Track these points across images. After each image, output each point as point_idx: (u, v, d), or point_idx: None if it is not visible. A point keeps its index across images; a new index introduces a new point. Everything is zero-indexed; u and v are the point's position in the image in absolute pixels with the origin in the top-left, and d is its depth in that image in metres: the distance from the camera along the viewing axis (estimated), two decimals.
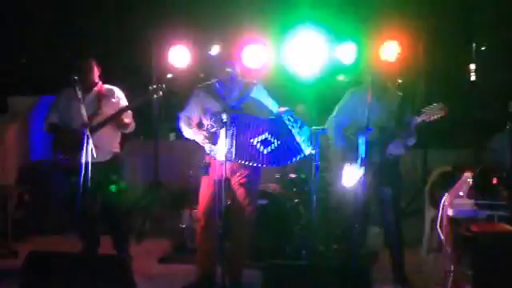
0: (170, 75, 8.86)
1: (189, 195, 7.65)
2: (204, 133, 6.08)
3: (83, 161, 5.88)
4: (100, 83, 6.83)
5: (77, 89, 6.24)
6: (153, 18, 9.02)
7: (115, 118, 6.61)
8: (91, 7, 9.18)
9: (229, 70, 6.16)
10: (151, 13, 9.06)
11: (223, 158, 5.76)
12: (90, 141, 5.96)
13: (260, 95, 6.25)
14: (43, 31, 9.07)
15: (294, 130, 5.90)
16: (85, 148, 5.91)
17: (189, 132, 6.27)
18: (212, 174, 6.05)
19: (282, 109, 6.10)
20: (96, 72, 6.82)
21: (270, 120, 6.02)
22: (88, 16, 9.20)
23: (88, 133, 5.99)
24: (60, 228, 8.02)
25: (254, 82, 6.32)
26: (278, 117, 6.00)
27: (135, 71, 9.12)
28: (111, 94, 6.82)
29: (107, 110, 6.66)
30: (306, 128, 5.96)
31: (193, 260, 6.83)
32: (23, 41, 9.04)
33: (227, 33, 8.47)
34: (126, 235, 7.06)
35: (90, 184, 5.85)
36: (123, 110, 6.69)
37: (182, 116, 6.32)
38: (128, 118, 6.76)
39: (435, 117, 6.06)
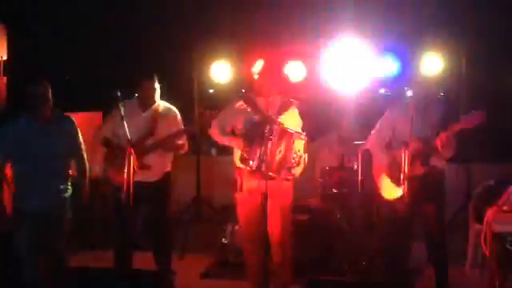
0: (211, 91, 8.96)
1: (231, 210, 7.65)
2: (242, 139, 6.13)
3: (126, 179, 5.82)
4: (158, 101, 6.81)
5: (120, 105, 6.16)
6: (194, 34, 9.07)
7: (168, 142, 6.65)
8: (134, 22, 9.25)
9: (271, 86, 6.23)
10: (193, 28, 9.12)
11: (255, 168, 5.96)
12: (132, 158, 5.87)
13: (293, 116, 6.34)
14: (92, 49, 9.18)
15: None
16: (127, 166, 5.83)
17: (223, 138, 6.30)
18: (245, 189, 6.16)
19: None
20: (157, 91, 6.74)
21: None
22: (130, 32, 9.28)
23: (131, 151, 5.80)
24: (105, 243, 8.07)
25: (292, 101, 6.39)
26: None
27: (177, 87, 9.17)
28: (168, 113, 6.77)
29: (162, 132, 6.63)
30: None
31: (235, 275, 6.88)
32: (74, 59, 9.15)
33: (268, 48, 8.47)
34: (169, 251, 7.07)
35: (135, 202, 5.80)
36: (176, 134, 6.72)
37: (217, 125, 6.35)
38: (182, 139, 6.77)
39: (475, 123, 5.96)
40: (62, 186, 6.00)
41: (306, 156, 6.09)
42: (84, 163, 6.16)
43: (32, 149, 5.84)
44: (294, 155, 5.99)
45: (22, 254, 5.82)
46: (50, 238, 5.90)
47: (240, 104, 6.36)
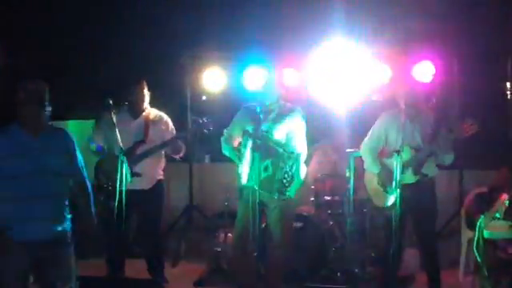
0: (204, 98, 8.95)
1: (224, 218, 7.66)
2: (237, 151, 6.14)
3: (118, 187, 5.76)
4: (148, 108, 6.85)
5: (112, 113, 6.10)
6: (187, 41, 9.06)
7: (163, 148, 6.67)
8: (125, 30, 9.24)
9: (274, 92, 6.22)
10: (186, 36, 9.11)
11: (245, 182, 5.95)
12: (125, 166, 5.81)
13: (294, 122, 6.22)
14: (83, 57, 9.16)
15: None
16: (119, 174, 5.69)
17: (226, 149, 6.29)
18: (243, 198, 6.15)
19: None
20: (147, 97, 6.80)
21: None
22: (123, 39, 9.26)
23: (123, 159, 5.71)
24: (99, 252, 8.05)
25: (295, 108, 6.28)
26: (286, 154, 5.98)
27: (170, 94, 9.16)
28: (160, 120, 6.82)
29: (154, 138, 6.66)
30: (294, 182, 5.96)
31: (228, 283, 6.87)
32: (62, 67, 9.14)
33: (262, 55, 8.47)
34: (162, 259, 7.07)
35: (126, 210, 5.70)
36: (169, 142, 6.72)
37: (225, 132, 6.35)
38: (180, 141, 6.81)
39: (468, 133, 5.98)
40: (57, 214, 4.80)
41: (301, 172, 6.04)
42: (86, 188, 5.02)
43: (22, 166, 4.64)
44: (285, 175, 5.88)
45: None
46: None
47: (241, 116, 6.35)
